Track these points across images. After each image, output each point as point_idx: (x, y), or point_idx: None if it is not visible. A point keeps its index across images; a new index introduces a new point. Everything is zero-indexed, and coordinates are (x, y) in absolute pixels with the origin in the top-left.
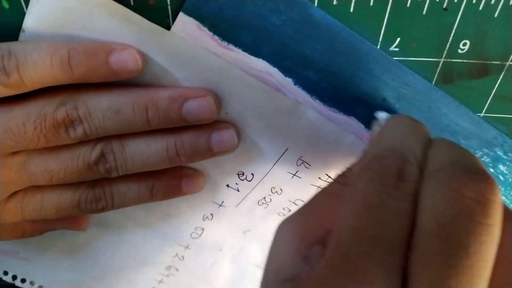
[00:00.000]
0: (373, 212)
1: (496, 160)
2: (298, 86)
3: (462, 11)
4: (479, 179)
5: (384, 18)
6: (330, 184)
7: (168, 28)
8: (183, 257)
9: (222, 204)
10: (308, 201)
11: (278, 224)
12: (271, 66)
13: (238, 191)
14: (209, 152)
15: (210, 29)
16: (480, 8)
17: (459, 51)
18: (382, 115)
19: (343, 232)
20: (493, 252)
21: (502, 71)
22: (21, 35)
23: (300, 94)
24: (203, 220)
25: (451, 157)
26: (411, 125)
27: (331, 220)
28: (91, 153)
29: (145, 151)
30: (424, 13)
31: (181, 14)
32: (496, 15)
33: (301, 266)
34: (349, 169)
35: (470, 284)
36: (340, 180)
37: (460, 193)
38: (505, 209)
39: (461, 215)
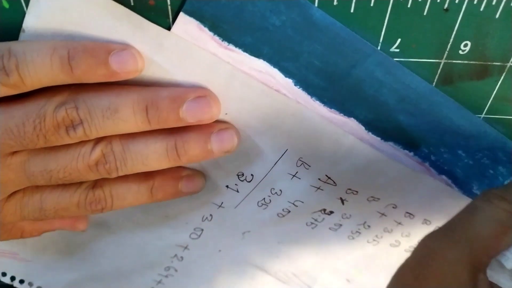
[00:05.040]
0: None
1: (496, 161)
2: (298, 87)
3: (463, 12)
4: None
5: (384, 19)
6: (494, 209)
7: (168, 28)
8: (182, 257)
9: (222, 205)
10: (472, 222)
11: (432, 235)
12: (271, 67)
13: (238, 192)
14: (209, 153)
15: (210, 30)
16: (481, 9)
17: (460, 52)
18: None
19: None
20: None
21: (503, 72)
22: (21, 35)
23: (300, 95)
24: (203, 221)
25: None
26: None
27: (496, 248)
28: (90, 153)
29: (145, 151)
30: (425, 14)
31: (181, 14)
32: (497, 16)
33: None
34: (510, 194)
35: None
36: (505, 207)
37: None
38: None
39: None
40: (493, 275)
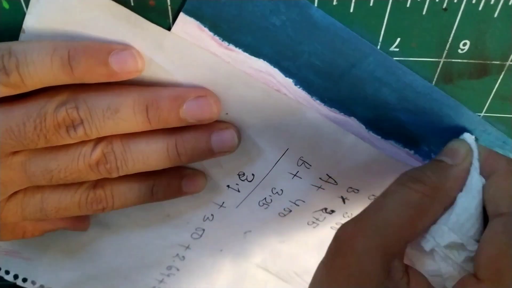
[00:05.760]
0: None
1: None
2: (298, 86)
3: (462, 11)
4: None
5: (384, 18)
6: (408, 192)
7: (168, 28)
8: (184, 257)
9: (223, 205)
10: (383, 208)
11: (343, 227)
12: (272, 67)
13: (239, 191)
14: (210, 152)
15: (210, 30)
16: (480, 8)
17: (459, 51)
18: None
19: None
20: None
21: (502, 71)
22: (21, 36)
23: (301, 94)
24: (204, 220)
25: None
26: None
27: (412, 233)
28: (91, 153)
29: (146, 151)
30: (424, 13)
31: (181, 15)
32: (496, 15)
33: (385, 281)
34: (425, 175)
35: None
36: (420, 189)
37: None
38: None
39: None
40: (412, 257)
